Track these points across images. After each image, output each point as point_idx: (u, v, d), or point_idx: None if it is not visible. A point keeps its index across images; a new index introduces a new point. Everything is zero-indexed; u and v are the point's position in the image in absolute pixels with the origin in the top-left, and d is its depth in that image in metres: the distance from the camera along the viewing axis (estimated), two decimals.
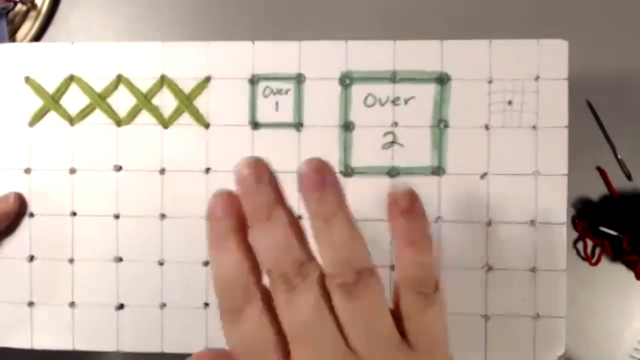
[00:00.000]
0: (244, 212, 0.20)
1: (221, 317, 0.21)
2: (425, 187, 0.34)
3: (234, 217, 0.20)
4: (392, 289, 0.22)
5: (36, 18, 0.46)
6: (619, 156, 0.39)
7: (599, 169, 0.39)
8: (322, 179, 0.19)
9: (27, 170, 0.36)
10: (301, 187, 0.20)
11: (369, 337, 0.20)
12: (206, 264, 0.35)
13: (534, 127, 0.33)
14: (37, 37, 0.47)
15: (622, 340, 0.38)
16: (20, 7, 0.46)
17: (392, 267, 0.34)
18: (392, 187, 0.20)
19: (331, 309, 0.20)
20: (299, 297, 0.19)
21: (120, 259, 0.35)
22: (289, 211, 0.20)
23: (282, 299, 0.20)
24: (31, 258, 0.35)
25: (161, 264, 0.35)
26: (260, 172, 0.20)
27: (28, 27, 0.46)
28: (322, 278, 0.20)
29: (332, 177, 0.20)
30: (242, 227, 0.20)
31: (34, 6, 0.46)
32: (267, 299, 0.20)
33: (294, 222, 0.20)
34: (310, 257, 0.20)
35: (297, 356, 0.20)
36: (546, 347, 0.33)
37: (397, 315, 0.21)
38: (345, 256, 0.20)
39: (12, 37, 0.46)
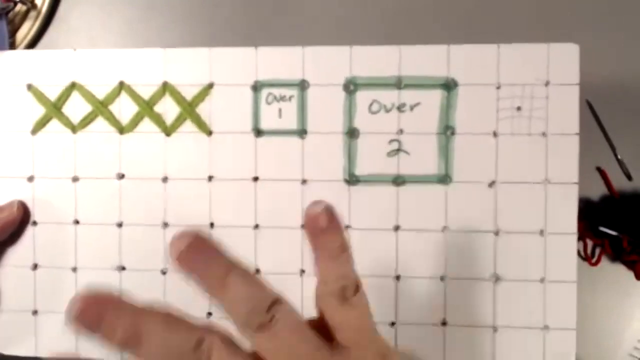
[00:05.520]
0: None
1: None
2: (431, 196, 0.36)
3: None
4: (315, 299, 0.25)
5: (36, 18, 0.49)
6: (619, 156, 0.41)
7: (598, 169, 0.41)
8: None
9: (30, 179, 0.38)
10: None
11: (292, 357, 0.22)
12: None
13: (543, 134, 0.35)
14: (37, 37, 0.49)
15: (622, 340, 0.40)
16: (20, 7, 0.49)
17: (397, 277, 0.36)
18: (309, 206, 0.23)
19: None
20: None
21: (123, 268, 0.38)
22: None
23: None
24: (35, 266, 0.38)
25: (164, 273, 0.38)
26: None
27: (28, 27, 0.49)
28: (222, 343, 0.22)
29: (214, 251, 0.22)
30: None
31: (34, 6, 0.49)
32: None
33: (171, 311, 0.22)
34: (201, 331, 0.22)
35: None
36: None
37: (322, 323, 0.24)
38: (252, 304, 0.22)
39: (12, 37, 0.49)
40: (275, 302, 0.22)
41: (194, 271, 0.21)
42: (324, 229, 0.23)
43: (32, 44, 0.49)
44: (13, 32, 0.49)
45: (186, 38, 0.47)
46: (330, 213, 0.23)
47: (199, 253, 0.21)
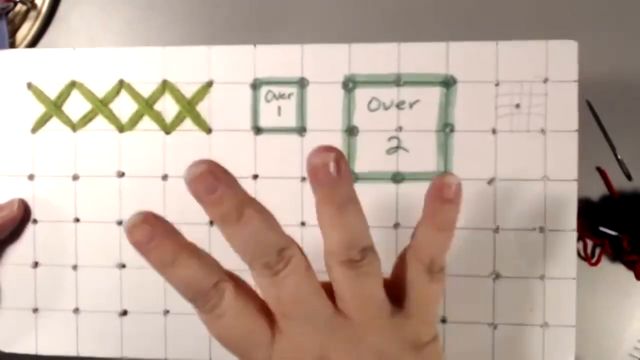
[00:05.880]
0: (167, 222, 0.22)
1: (200, 316, 0.23)
2: None
3: (168, 235, 0.22)
4: (399, 257, 0.26)
5: (36, 18, 0.49)
6: (619, 156, 0.41)
7: (598, 169, 0.41)
8: (332, 169, 0.21)
9: (31, 177, 0.39)
10: (312, 178, 0.22)
11: (363, 302, 0.23)
12: None
13: (542, 130, 0.35)
14: (37, 37, 0.50)
15: (622, 340, 0.41)
16: (20, 7, 0.49)
17: None
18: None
19: (316, 282, 0.23)
20: (284, 280, 0.22)
21: (124, 266, 0.38)
22: (257, 204, 0.22)
23: (267, 284, 0.23)
24: (35, 264, 0.39)
25: None
26: (218, 177, 0.21)
27: (28, 27, 0.49)
28: (303, 257, 0.23)
29: (345, 166, 0.22)
30: (177, 235, 0.22)
31: (34, 6, 0.49)
32: (237, 285, 0.23)
33: (264, 211, 0.22)
34: (288, 241, 0.23)
35: (287, 328, 0.23)
36: (555, 357, 0.35)
37: (396, 284, 0.25)
38: (351, 237, 0.23)
39: (12, 37, 0.49)
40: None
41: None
42: (450, 201, 0.23)
43: (32, 44, 0.49)
44: (13, 32, 0.49)
45: (186, 38, 0.47)
46: (460, 189, 0.23)
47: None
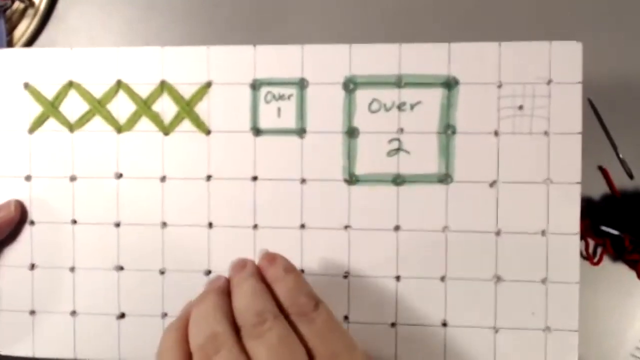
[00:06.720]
0: None
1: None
2: (432, 195, 0.36)
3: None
4: None
5: (34, 16, 0.49)
6: (621, 155, 0.41)
7: (600, 168, 0.41)
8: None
9: (28, 178, 0.38)
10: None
11: None
12: (208, 273, 0.37)
13: (545, 133, 0.35)
14: (35, 35, 0.49)
15: (624, 340, 0.41)
16: (18, 5, 0.49)
17: (397, 278, 0.36)
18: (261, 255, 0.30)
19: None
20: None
21: (121, 268, 0.38)
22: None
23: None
24: (32, 266, 0.38)
25: (162, 272, 0.37)
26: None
27: (25, 25, 0.49)
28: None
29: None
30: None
31: (31, 4, 0.49)
32: None
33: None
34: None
35: None
36: None
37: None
38: (249, 307, 0.27)
39: (9, 35, 0.49)
40: (276, 314, 0.26)
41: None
42: (269, 261, 0.30)
43: (29, 42, 0.49)
44: (10, 30, 0.49)
45: (186, 38, 0.47)
46: (272, 254, 0.31)
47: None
